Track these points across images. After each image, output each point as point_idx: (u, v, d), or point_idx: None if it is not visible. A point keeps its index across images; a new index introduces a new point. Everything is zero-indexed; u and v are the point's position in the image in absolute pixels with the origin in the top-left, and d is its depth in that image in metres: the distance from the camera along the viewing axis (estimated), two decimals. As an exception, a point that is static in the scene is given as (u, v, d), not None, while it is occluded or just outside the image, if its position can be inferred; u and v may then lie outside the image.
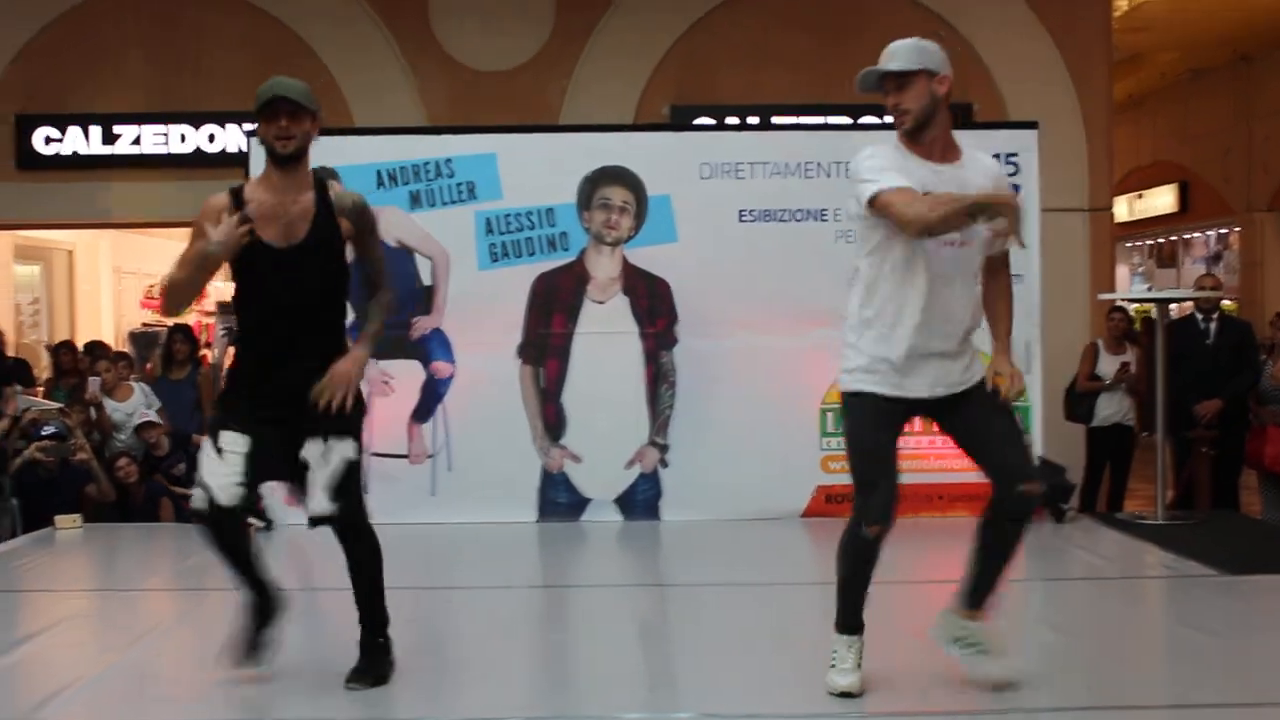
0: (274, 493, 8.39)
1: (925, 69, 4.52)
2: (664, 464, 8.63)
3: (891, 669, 5.02)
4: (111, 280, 16.20)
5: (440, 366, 8.60)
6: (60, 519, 8.50)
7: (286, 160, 4.78)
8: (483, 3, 11.90)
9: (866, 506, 4.69)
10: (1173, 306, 10.76)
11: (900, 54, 4.54)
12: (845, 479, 8.44)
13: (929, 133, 4.55)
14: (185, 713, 4.71)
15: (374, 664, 4.90)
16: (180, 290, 4.87)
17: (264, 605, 4.99)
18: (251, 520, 8.19)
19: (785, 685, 4.91)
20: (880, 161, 4.48)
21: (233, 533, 4.85)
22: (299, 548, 8.18)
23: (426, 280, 8.61)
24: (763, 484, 8.53)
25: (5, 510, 8.93)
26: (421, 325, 8.60)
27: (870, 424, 4.69)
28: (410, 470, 8.56)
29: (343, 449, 4.76)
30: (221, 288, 17.85)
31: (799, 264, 8.54)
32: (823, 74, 11.77)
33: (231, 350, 16.51)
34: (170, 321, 11.34)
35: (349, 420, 4.79)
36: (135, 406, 9.50)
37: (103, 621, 6.41)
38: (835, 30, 11.85)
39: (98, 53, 11.87)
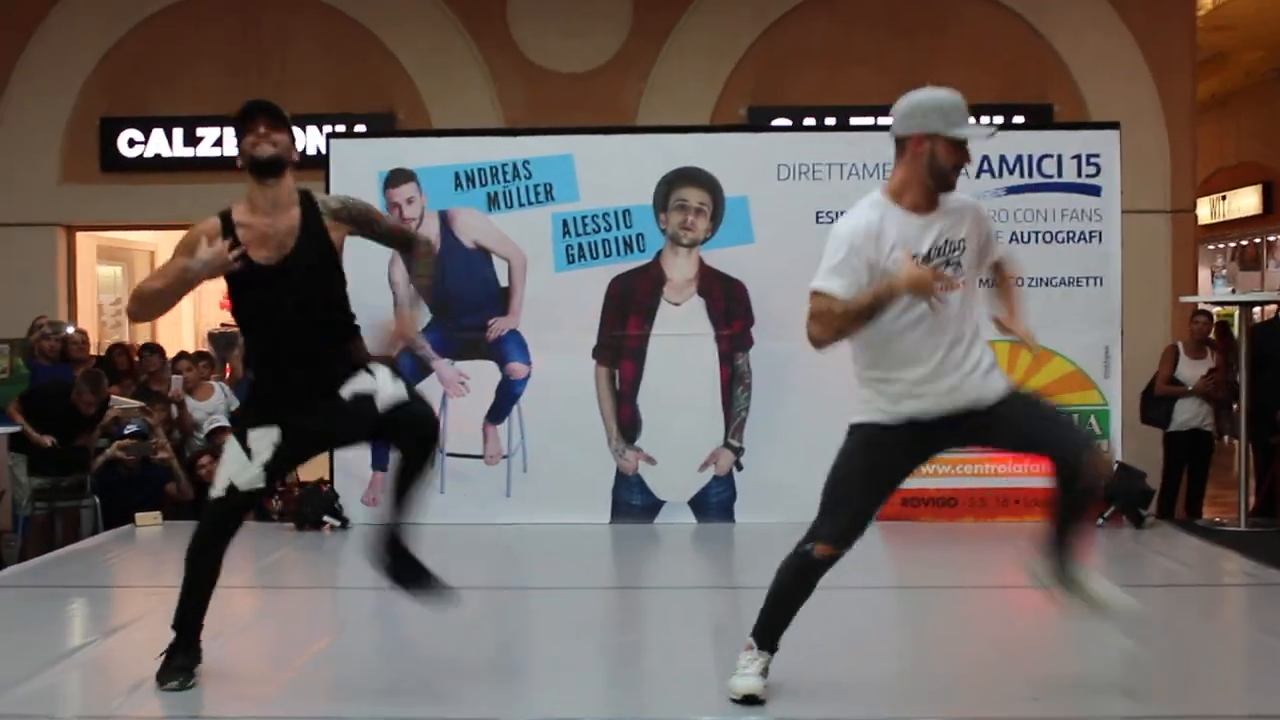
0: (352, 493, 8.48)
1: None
2: (739, 466, 8.61)
3: (968, 673, 5.00)
4: (193, 281, 16.37)
5: (516, 368, 8.63)
6: (140, 516, 8.61)
7: (267, 169, 4.76)
8: (560, 4, 11.95)
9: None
10: (1256, 309, 10.62)
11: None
12: (921, 483, 8.52)
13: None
14: (261, 708, 4.76)
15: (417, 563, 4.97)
16: (151, 300, 4.85)
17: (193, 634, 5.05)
18: (329, 520, 8.34)
19: (860, 691, 4.89)
20: (840, 250, 4.52)
21: (235, 523, 4.93)
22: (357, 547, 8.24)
23: (503, 282, 8.65)
24: (837, 487, 8.49)
25: (87, 507, 9.07)
26: (498, 326, 8.64)
27: (864, 451, 4.84)
28: (485, 471, 8.60)
29: (385, 370, 4.82)
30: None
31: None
32: (900, 73, 11.63)
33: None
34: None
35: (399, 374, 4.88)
36: (215, 406, 9.62)
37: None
38: (913, 29, 11.79)
39: (180, 56, 12.03)
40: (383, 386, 4.75)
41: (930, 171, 4.52)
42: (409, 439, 4.81)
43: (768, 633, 4.83)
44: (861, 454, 4.81)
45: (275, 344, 4.82)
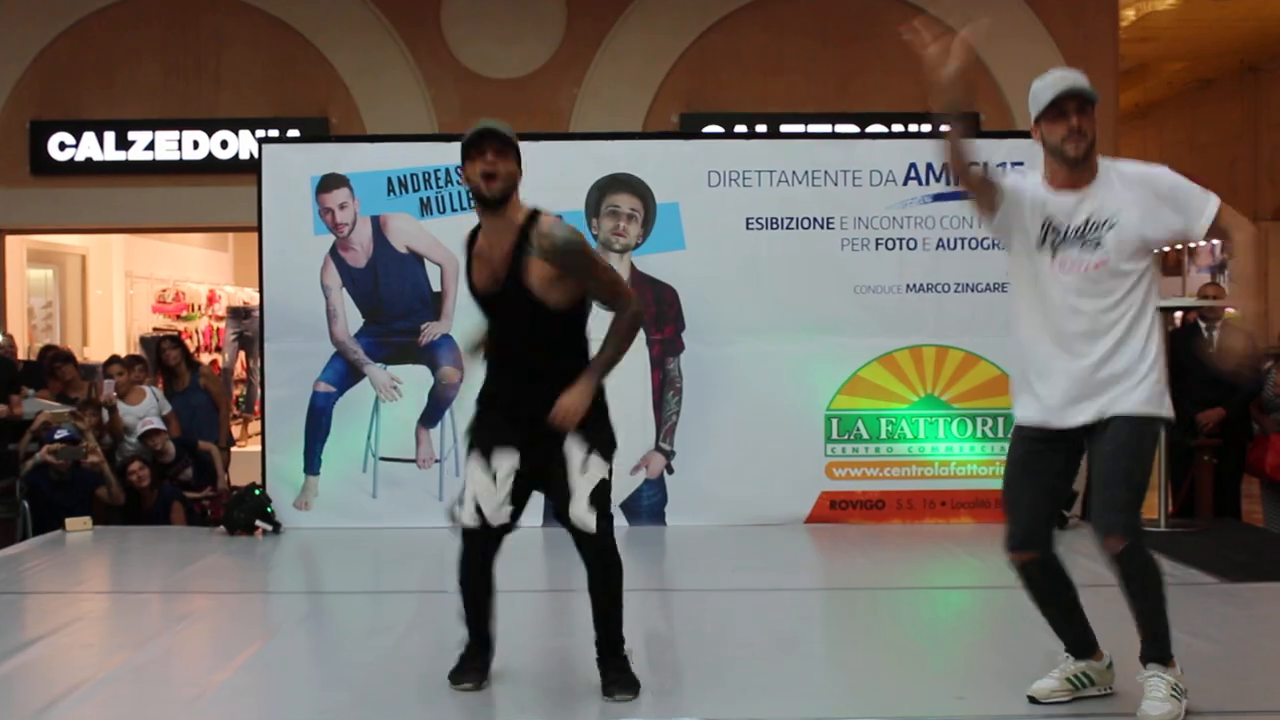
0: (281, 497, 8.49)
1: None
2: (670, 470, 8.68)
3: (893, 673, 5.09)
4: (124, 284, 16.27)
5: (449, 372, 8.66)
6: (70, 521, 8.57)
7: (493, 204, 4.62)
8: (494, 11, 11.98)
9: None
10: (1176, 314, 10.79)
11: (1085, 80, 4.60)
12: (849, 486, 8.63)
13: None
14: (192, 714, 4.76)
15: (629, 674, 4.89)
16: None
17: (478, 644, 5.07)
18: (260, 524, 8.35)
19: (789, 691, 4.96)
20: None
21: (491, 552, 4.94)
22: (307, 550, 8.26)
23: (436, 287, 8.68)
24: (767, 490, 8.59)
25: (16, 512, 9.01)
26: (431, 331, 8.67)
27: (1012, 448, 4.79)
28: (418, 474, 8.63)
29: (599, 466, 4.79)
30: (233, 292, 17.97)
31: (806, 271, 8.62)
32: (831, 82, 11.85)
33: (242, 354, 16.58)
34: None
35: (608, 441, 4.87)
36: (147, 410, 9.57)
37: (111, 623, 6.47)
38: (843, 38, 11.93)
39: (112, 59, 11.97)
40: (580, 493, 4.75)
41: (1050, 152, 4.56)
42: (584, 557, 4.90)
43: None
44: (1011, 452, 4.79)
45: (494, 361, 4.84)
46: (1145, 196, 4.51)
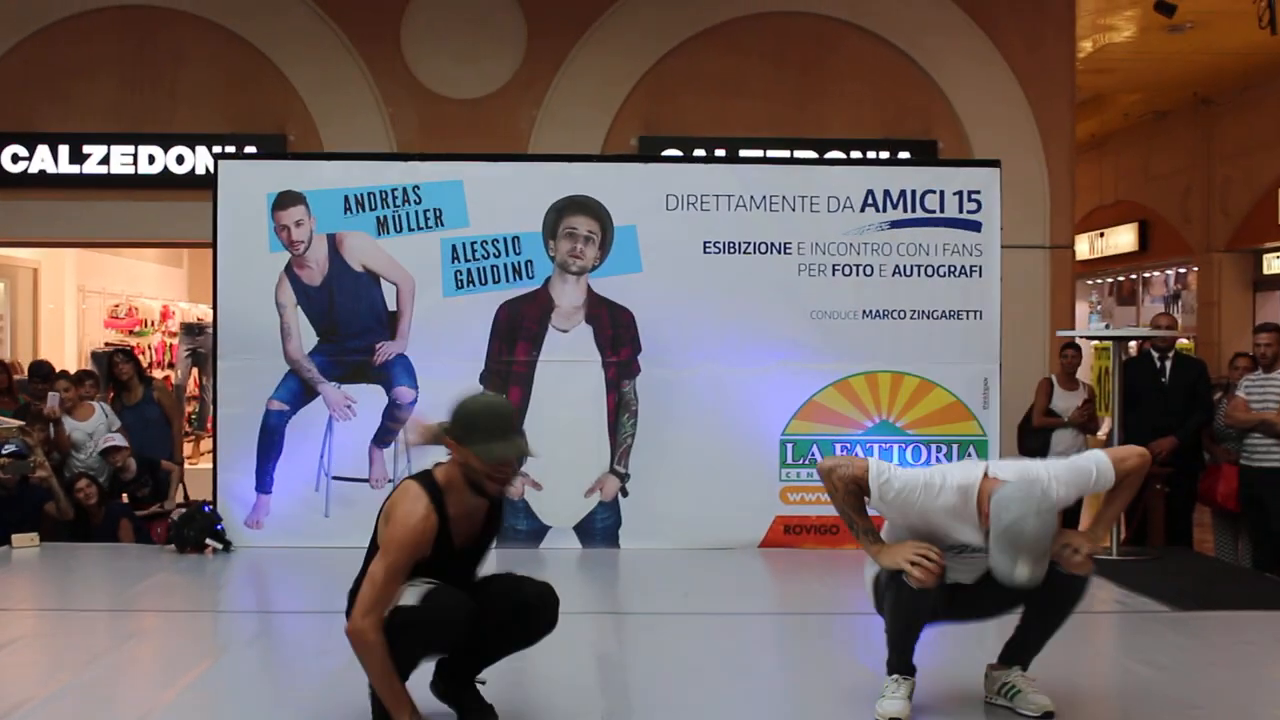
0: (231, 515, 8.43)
1: None
2: (624, 493, 8.67)
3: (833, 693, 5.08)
4: (76, 299, 16.14)
5: (403, 392, 8.63)
6: (17, 537, 8.48)
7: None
8: (454, 31, 11.96)
9: None
10: (1131, 344, 10.89)
11: None
12: (804, 510, 8.64)
13: None
14: (140, 732, 4.72)
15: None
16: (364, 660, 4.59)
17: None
18: (211, 542, 8.28)
19: (740, 715, 4.95)
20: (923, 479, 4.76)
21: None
22: (258, 569, 8.20)
23: (392, 306, 8.65)
24: (722, 514, 8.59)
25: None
26: (385, 350, 8.64)
27: None
28: (371, 494, 8.57)
29: None
30: (187, 309, 17.86)
31: (761, 296, 8.64)
32: (789, 107, 11.89)
33: (195, 371, 16.47)
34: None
35: None
36: (96, 426, 9.47)
37: (57, 641, 6.39)
38: (802, 65, 11.97)
39: (68, 72, 11.88)
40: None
41: None
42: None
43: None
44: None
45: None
46: None
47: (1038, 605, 4.87)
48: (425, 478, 4.55)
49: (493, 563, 4.84)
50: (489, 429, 4.44)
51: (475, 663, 4.80)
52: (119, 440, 9.29)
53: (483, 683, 4.80)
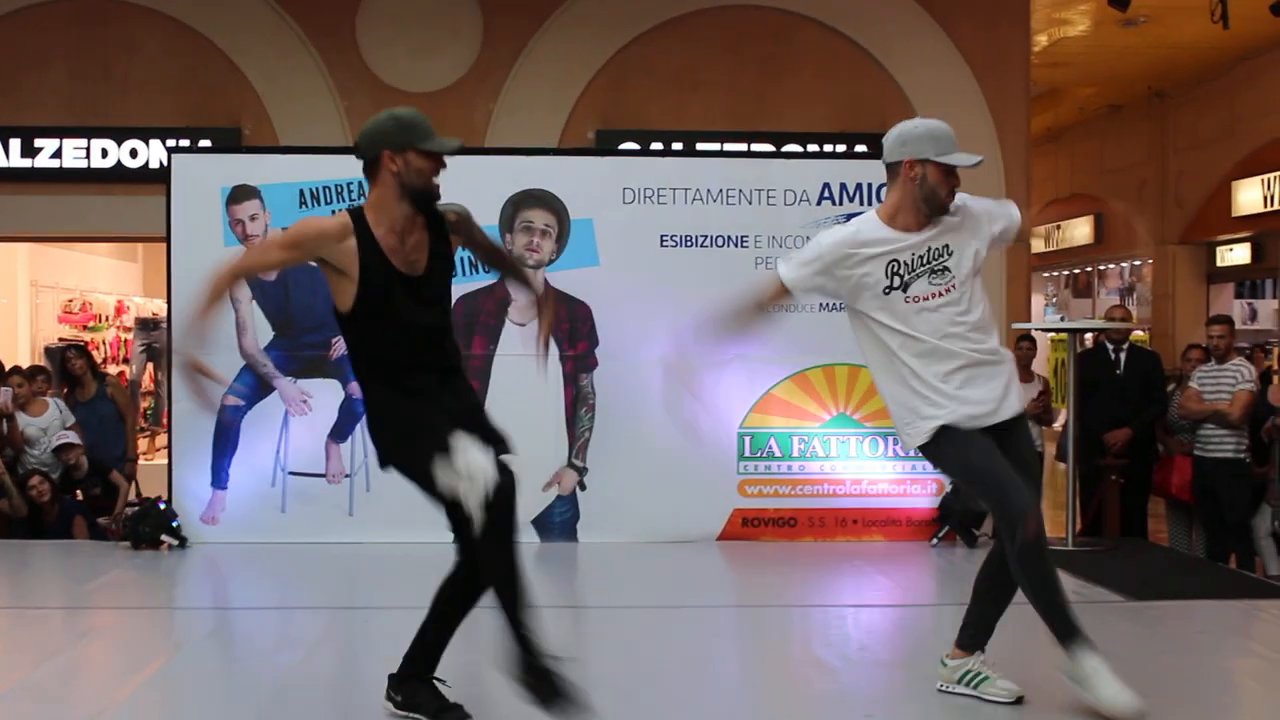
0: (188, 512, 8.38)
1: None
2: (582, 486, 8.66)
3: (804, 691, 5.09)
4: (29, 294, 16.00)
5: (358, 386, 8.58)
6: (-30, 535, 8.41)
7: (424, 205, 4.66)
8: (410, 24, 11.91)
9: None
10: (1086, 336, 10.95)
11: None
12: (762, 503, 8.65)
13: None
14: (94, 731, 4.69)
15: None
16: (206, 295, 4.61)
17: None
18: (166, 539, 8.22)
19: (699, 709, 4.95)
20: (812, 251, 4.93)
21: (511, 499, 4.50)
22: (214, 565, 8.15)
23: (347, 300, 8.59)
24: (680, 507, 8.59)
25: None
26: (341, 345, 8.58)
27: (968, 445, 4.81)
28: (328, 489, 8.54)
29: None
30: (141, 303, 17.73)
31: (719, 289, 8.55)
32: (746, 101, 11.90)
33: (150, 366, 16.32)
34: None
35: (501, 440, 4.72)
36: (50, 422, 9.40)
37: (9, 640, 6.34)
38: (759, 58, 11.98)
39: (19, 65, 11.76)
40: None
41: (923, 195, 4.76)
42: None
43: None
44: (956, 448, 4.82)
45: (410, 368, 4.65)
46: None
47: (988, 580, 4.90)
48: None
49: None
50: (423, 126, 4.62)
51: (432, 654, 4.77)
52: (72, 437, 9.23)
53: (443, 682, 4.77)
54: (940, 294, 4.80)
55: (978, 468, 4.77)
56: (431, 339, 4.69)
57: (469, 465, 4.36)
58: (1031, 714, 4.84)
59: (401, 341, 4.63)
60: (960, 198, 4.90)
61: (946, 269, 4.80)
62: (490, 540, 4.41)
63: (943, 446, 4.79)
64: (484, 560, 4.50)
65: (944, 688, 4.99)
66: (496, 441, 4.64)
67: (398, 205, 4.57)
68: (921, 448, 4.86)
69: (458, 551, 4.66)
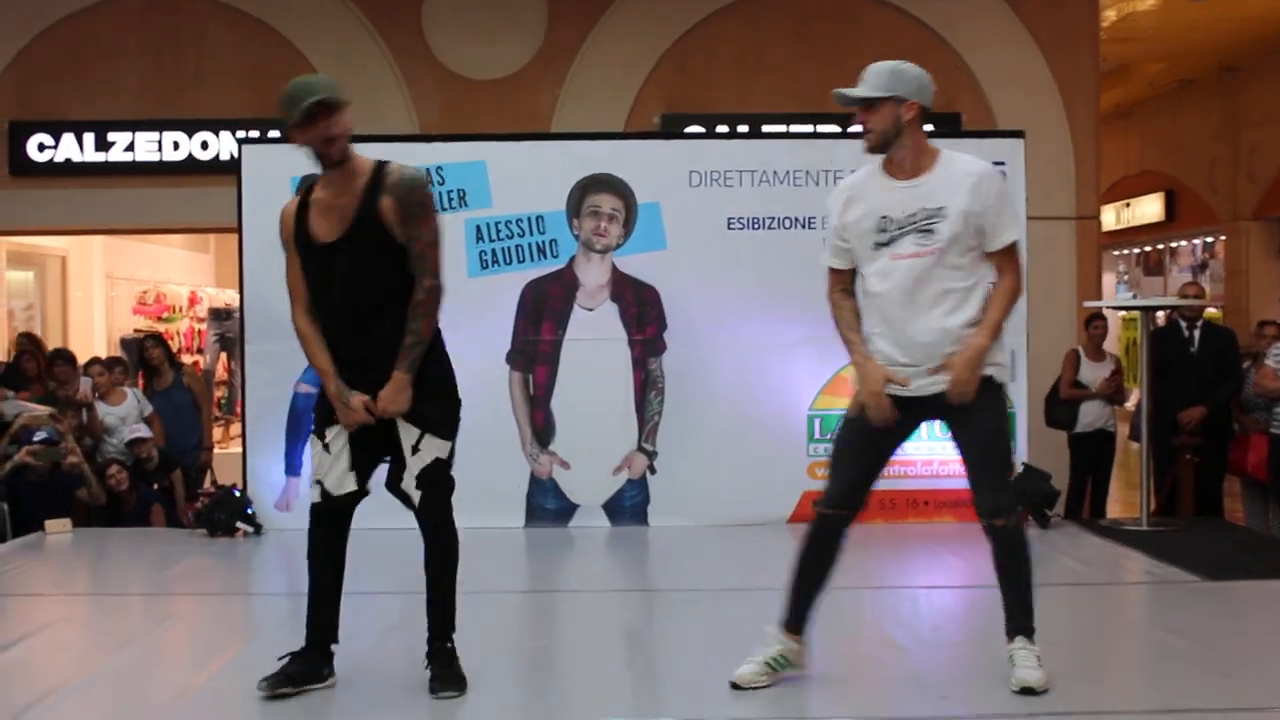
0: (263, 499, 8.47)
1: (894, 95, 4.72)
2: (652, 470, 8.67)
3: (877, 673, 5.09)
4: (104, 286, 16.20)
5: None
6: (50, 523, 8.52)
7: (337, 164, 4.76)
8: (476, 12, 11.95)
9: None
10: (1159, 314, 10.85)
11: (871, 79, 4.77)
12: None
13: (895, 152, 4.78)
14: (172, 718, 4.75)
15: (453, 670, 4.89)
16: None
17: (312, 653, 4.95)
18: (241, 526, 8.31)
19: (770, 691, 4.95)
20: (833, 213, 4.93)
21: (340, 529, 4.96)
22: (289, 552, 8.23)
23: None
24: (750, 490, 8.58)
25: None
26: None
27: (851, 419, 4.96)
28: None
29: (435, 446, 4.85)
30: (214, 294, 17.93)
31: (786, 272, 8.60)
32: (813, 83, 11.83)
33: (224, 356, 16.54)
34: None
35: (445, 420, 4.90)
36: (128, 411, 9.53)
37: (90, 626, 6.44)
38: (823, 39, 11.93)
39: (92, 60, 11.91)
40: (408, 471, 4.85)
41: (903, 134, 4.75)
42: (423, 536, 4.99)
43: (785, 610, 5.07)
44: (849, 421, 4.99)
45: (329, 323, 4.80)
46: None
47: (994, 562, 4.89)
48: None
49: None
50: (287, 101, 4.74)
51: (429, 616, 4.97)
52: (144, 431, 9.35)
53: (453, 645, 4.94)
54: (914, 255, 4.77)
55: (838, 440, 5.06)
56: (342, 320, 4.78)
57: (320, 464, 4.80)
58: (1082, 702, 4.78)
59: (322, 317, 4.81)
60: (976, 172, 4.79)
61: (931, 231, 4.73)
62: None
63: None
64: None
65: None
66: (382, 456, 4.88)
67: (325, 176, 4.81)
68: None
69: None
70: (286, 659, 4.90)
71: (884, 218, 4.76)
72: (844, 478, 5.02)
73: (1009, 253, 4.82)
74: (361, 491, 4.90)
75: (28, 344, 10.41)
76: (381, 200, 4.74)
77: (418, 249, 4.77)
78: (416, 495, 4.86)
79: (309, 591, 5.01)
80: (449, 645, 4.94)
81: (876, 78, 4.74)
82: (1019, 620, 4.89)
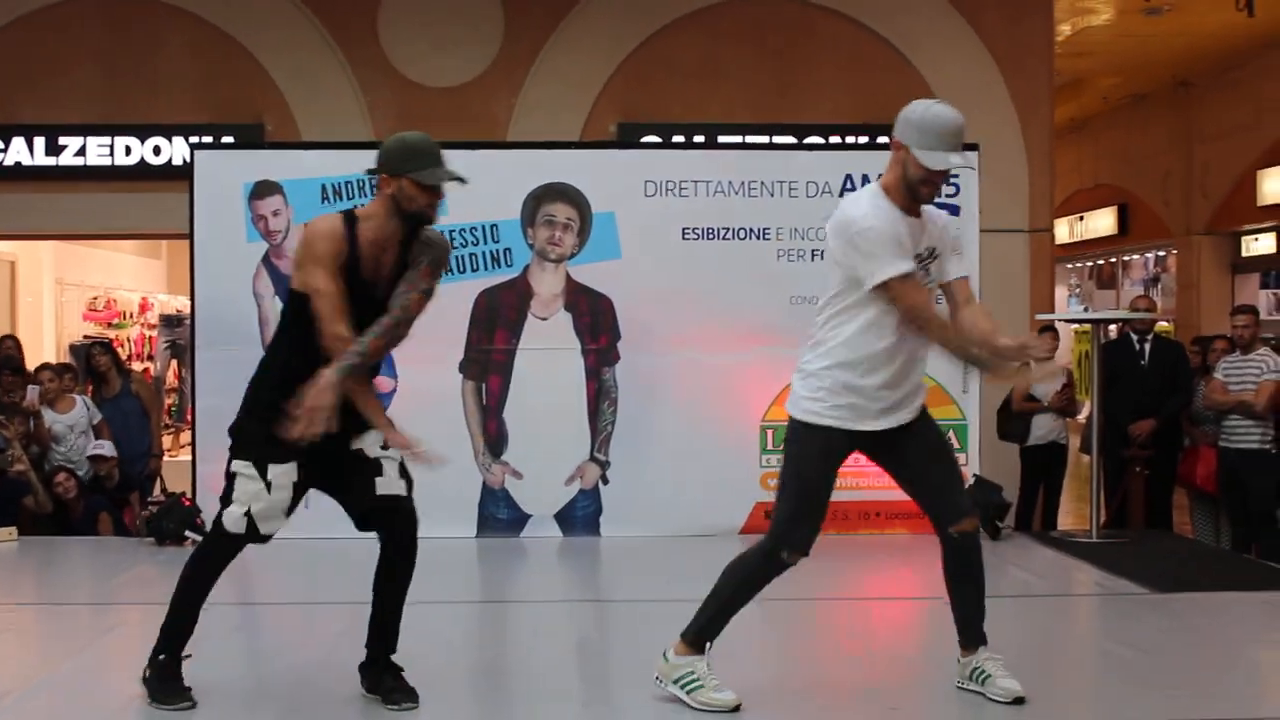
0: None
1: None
2: (605, 480, 8.66)
3: (828, 685, 5.09)
4: (54, 292, 16.07)
5: (381, 381, 8.58)
6: (-5, 531, 8.45)
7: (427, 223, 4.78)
8: (431, 19, 11.91)
9: (792, 535, 4.82)
10: (1111, 327, 10.91)
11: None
12: (782, 496, 8.57)
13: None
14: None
15: (405, 682, 4.89)
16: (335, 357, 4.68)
17: (175, 663, 4.96)
18: (190, 534, 8.24)
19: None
20: (883, 232, 4.61)
21: (235, 552, 4.96)
22: (237, 561, 8.15)
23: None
24: (702, 501, 8.58)
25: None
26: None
27: (819, 458, 4.80)
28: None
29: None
30: (165, 300, 17.80)
31: (741, 282, 8.62)
32: (768, 93, 11.86)
33: (175, 363, 16.38)
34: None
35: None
36: (77, 419, 9.44)
37: (35, 635, 6.38)
38: (781, 50, 11.93)
39: (43, 63, 11.79)
40: (389, 468, 4.88)
41: (904, 181, 4.67)
42: (393, 539, 4.96)
43: (705, 632, 4.96)
44: (824, 460, 4.83)
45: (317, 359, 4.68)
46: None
47: (951, 572, 4.88)
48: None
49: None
50: (426, 153, 4.69)
51: (385, 631, 4.95)
52: (106, 450, 9.24)
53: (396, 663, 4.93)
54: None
55: (805, 476, 4.82)
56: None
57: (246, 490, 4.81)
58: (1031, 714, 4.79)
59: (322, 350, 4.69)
60: (941, 217, 4.87)
61: (928, 272, 4.78)
62: None
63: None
64: None
65: (960, 684, 4.96)
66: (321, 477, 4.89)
67: (388, 222, 4.71)
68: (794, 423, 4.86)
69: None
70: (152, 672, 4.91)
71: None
72: (816, 523, 4.85)
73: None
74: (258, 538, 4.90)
75: None
76: (420, 261, 4.81)
77: (417, 296, 4.85)
78: (402, 484, 4.92)
79: (186, 606, 4.98)
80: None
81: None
82: (980, 629, 4.90)
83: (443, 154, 4.74)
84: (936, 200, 4.89)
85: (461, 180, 4.71)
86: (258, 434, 4.81)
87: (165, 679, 4.85)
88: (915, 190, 4.65)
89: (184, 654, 4.93)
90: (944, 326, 4.72)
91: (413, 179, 4.63)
